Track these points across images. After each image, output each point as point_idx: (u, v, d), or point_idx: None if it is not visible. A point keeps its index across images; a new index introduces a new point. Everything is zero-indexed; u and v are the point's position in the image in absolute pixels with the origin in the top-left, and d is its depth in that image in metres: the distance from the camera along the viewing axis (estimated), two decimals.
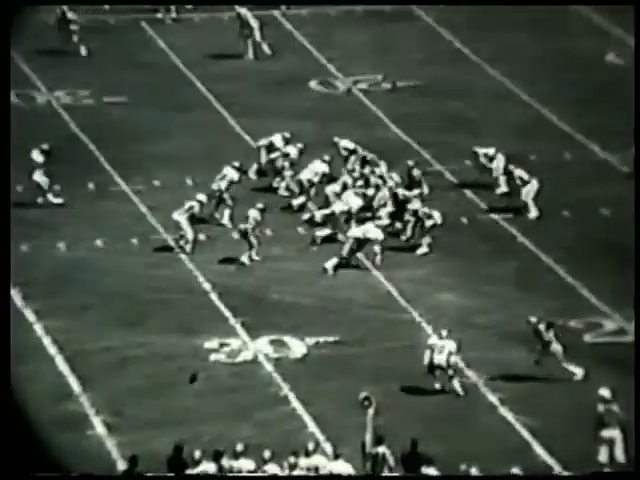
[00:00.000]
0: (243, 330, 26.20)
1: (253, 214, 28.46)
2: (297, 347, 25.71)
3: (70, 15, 36.48)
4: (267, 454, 21.47)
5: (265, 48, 36.34)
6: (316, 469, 21.51)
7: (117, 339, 25.80)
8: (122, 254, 28.64)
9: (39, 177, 30.15)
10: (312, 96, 35.29)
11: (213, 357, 25.41)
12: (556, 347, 24.56)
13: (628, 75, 35.34)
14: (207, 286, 27.58)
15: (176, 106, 34.29)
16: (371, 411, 22.21)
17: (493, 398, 24.39)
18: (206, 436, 22.60)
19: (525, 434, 23.46)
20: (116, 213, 30.14)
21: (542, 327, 24.64)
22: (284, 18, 38.84)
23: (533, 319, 24.74)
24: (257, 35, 36.28)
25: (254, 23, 36.29)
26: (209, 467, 21.34)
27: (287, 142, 30.82)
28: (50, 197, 30.18)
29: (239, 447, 21.56)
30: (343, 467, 21.59)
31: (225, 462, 21.44)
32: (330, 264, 27.99)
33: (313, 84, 35.83)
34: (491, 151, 30.82)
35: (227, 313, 26.76)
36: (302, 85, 35.52)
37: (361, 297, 27.39)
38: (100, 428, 23.53)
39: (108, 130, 33.29)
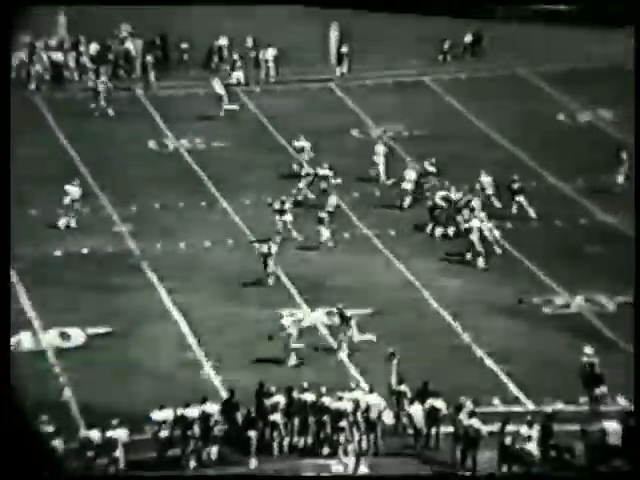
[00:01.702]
0: (305, 304, 26.19)
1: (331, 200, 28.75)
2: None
3: (100, 87, 35.52)
4: (323, 389, 21.47)
5: (233, 107, 35.43)
6: (357, 401, 21.36)
7: (220, 309, 25.84)
8: (222, 251, 28.64)
9: (71, 205, 28.97)
10: (353, 141, 35.21)
11: (285, 323, 25.21)
12: (353, 327, 24.08)
13: (573, 130, 35.26)
14: (280, 273, 27.47)
15: (261, 148, 34.36)
16: (395, 361, 22.25)
17: (481, 352, 24.32)
18: (281, 376, 22.63)
19: (503, 377, 23.40)
20: (218, 222, 30.12)
21: (345, 311, 24.22)
22: (337, 88, 38.89)
23: (340, 305, 24.30)
24: (226, 100, 35.51)
25: (223, 92, 35.46)
26: (280, 398, 21.26)
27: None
28: (69, 221, 29.06)
29: (304, 384, 21.59)
30: (376, 399, 21.46)
31: (295, 394, 21.43)
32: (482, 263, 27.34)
33: (354, 132, 35.66)
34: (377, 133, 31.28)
35: (294, 292, 26.72)
36: (346, 133, 35.40)
37: (389, 282, 27.28)
38: (209, 370, 23.67)
39: (215, 166, 33.22)
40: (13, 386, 17.53)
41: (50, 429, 20.27)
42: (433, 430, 21.36)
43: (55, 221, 29.32)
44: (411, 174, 30.93)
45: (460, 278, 27.38)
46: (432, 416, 21.30)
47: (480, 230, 27.86)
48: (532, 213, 29.95)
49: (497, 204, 30.30)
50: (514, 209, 30.09)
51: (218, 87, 35.90)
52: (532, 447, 20.43)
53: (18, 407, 17.20)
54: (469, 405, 21.18)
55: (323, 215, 28.72)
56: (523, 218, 29.99)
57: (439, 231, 29.10)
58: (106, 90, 35.61)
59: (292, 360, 23.67)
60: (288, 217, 28.68)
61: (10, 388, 17.10)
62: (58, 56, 38.00)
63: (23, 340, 24.47)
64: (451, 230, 29.02)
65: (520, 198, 30.04)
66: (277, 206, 28.83)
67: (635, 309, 24.68)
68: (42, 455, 16.73)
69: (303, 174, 31.03)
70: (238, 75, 37.90)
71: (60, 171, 32.22)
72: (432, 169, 31.27)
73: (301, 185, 30.65)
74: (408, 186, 30.65)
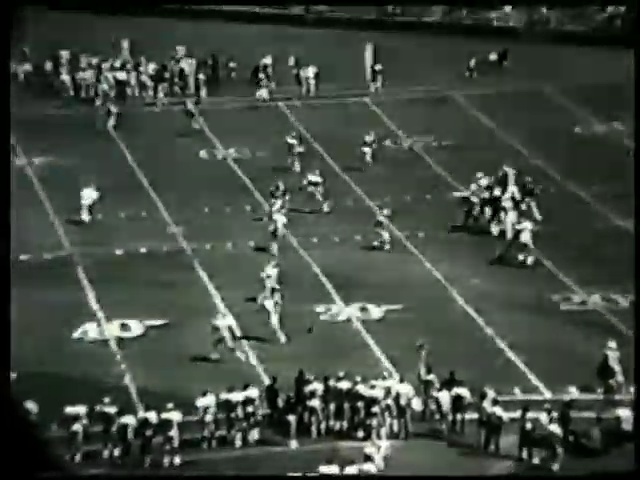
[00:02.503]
0: (341, 300, 26.17)
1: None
2: (376, 312, 25.54)
3: (112, 108, 35.89)
4: (357, 378, 21.48)
5: (203, 128, 35.53)
6: (388, 388, 21.40)
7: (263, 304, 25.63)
8: (261, 251, 28.45)
9: (86, 208, 29.32)
10: (387, 150, 35.04)
11: (322, 317, 25.34)
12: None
13: (589, 140, 35.07)
14: (317, 270, 27.52)
15: (301, 157, 34.27)
16: (424, 352, 22.27)
17: (502, 344, 24.20)
18: (318, 366, 22.57)
19: (523, 367, 23.33)
20: (262, 225, 29.86)
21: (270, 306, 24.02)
22: (372, 103, 38.76)
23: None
24: (195, 116, 35.71)
25: (195, 111, 35.63)
26: (318, 386, 21.33)
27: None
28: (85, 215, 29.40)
29: (340, 374, 21.62)
30: (406, 388, 21.48)
31: (331, 382, 21.51)
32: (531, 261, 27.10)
33: (387, 142, 35.60)
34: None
35: (331, 289, 26.66)
36: (381, 143, 35.34)
37: (418, 280, 27.24)
38: (252, 359, 23.72)
39: (259, 173, 33.12)
40: (13, 386, 16.50)
41: (113, 410, 20.62)
42: (459, 416, 21.40)
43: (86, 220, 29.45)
44: (484, 181, 30.71)
45: (484, 277, 27.28)
46: (458, 403, 21.36)
47: (530, 231, 27.66)
48: (537, 215, 29.57)
49: (524, 207, 30.14)
50: (522, 208, 29.74)
51: (191, 106, 36.46)
52: (555, 428, 20.35)
53: (18, 408, 15.90)
54: (492, 393, 21.21)
55: (382, 219, 28.67)
56: (543, 222, 29.74)
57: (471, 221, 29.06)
58: (117, 110, 36.09)
59: (215, 355, 23.35)
60: (280, 227, 28.35)
61: (10, 388, 15.70)
62: (122, 75, 38.75)
63: (89, 331, 24.88)
64: (495, 228, 28.83)
65: (529, 199, 29.78)
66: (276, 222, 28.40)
67: (636, 306, 24.57)
68: (41, 456, 14.42)
69: (275, 188, 30.39)
70: (261, 92, 38.17)
71: (122, 179, 32.59)
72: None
73: (279, 204, 29.85)
74: (473, 187, 30.47)
